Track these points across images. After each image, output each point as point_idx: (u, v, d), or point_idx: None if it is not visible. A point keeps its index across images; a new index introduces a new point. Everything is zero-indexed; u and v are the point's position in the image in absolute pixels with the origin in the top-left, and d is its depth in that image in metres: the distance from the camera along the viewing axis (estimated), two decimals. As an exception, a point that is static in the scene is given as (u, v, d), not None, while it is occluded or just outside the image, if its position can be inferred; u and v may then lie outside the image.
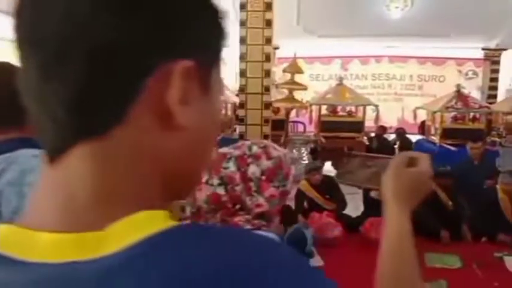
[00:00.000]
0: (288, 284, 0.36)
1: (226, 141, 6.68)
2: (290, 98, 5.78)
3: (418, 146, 7.42)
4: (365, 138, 7.02)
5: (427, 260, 3.93)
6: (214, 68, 0.41)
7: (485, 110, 6.68)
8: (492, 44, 8.54)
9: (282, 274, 0.37)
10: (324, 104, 6.60)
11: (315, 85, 8.69)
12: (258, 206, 1.18)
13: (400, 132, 8.21)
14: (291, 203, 5.05)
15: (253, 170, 1.15)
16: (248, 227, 1.14)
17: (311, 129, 7.30)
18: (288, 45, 6.95)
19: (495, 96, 8.76)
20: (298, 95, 7.94)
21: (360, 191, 4.92)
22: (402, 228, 0.77)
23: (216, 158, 1.16)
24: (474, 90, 8.73)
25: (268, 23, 5.40)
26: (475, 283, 3.55)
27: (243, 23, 5.44)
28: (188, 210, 1.15)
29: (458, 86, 6.87)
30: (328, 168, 7.79)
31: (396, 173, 0.78)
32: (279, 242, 0.93)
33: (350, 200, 4.99)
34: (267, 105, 5.62)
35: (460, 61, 8.91)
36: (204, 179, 1.13)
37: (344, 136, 6.61)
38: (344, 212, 4.79)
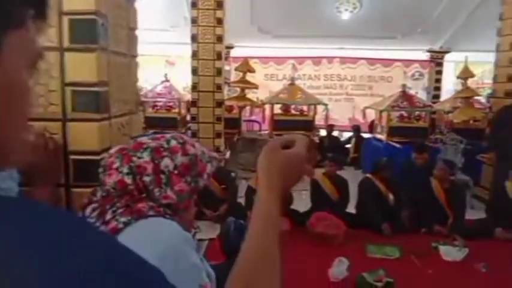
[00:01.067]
0: None
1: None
2: (242, 97, 5.84)
3: (367, 144, 7.72)
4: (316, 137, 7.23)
5: (368, 251, 4.13)
6: (9, 32, 0.40)
7: (428, 109, 7.04)
8: (436, 46, 9.05)
9: None
10: (276, 103, 6.72)
11: (270, 85, 8.85)
12: (166, 197, 1.18)
13: (356, 129, 8.51)
14: (241, 199, 5.13)
15: (166, 163, 1.18)
16: (151, 213, 1.14)
17: (267, 127, 7.40)
18: (243, 45, 7.00)
19: (439, 96, 9.27)
20: (254, 94, 8.05)
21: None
22: (268, 212, 0.73)
23: (131, 146, 1.19)
24: (420, 91, 9.20)
25: (219, 21, 5.43)
26: (411, 271, 3.76)
27: (194, 21, 5.45)
28: (99, 194, 1.16)
29: (403, 86, 7.20)
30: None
31: (268, 155, 0.75)
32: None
33: (298, 195, 5.11)
34: (219, 103, 5.66)
35: (406, 63, 9.35)
36: (115, 165, 1.15)
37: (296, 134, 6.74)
38: (292, 207, 4.89)
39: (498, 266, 3.78)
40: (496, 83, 5.95)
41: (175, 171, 1.19)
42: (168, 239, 1.12)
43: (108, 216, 1.13)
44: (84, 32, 1.35)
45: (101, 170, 1.18)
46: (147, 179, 1.16)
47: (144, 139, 1.25)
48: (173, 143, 1.21)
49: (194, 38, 5.45)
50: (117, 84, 1.48)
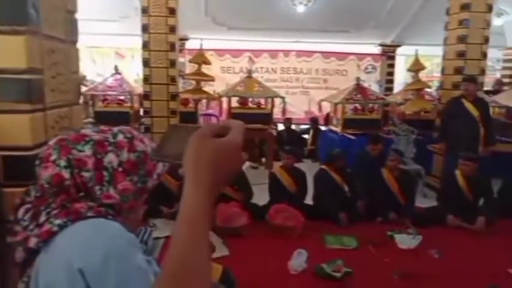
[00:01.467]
0: None
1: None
2: (198, 89, 5.67)
3: (323, 136, 7.81)
4: (275, 128, 7.22)
5: (326, 242, 4.15)
6: None
7: (381, 101, 7.21)
8: (388, 40, 9.29)
9: None
10: (233, 96, 6.60)
11: (226, 78, 8.73)
12: (108, 197, 1.07)
13: (314, 121, 8.58)
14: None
15: (110, 158, 1.07)
16: (90, 213, 1.03)
17: (224, 121, 7.28)
18: (198, 36, 6.81)
19: (392, 89, 9.55)
20: (210, 87, 7.89)
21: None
22: (195, 210, 0.65)
23: (72, 137, 1.06)
24: (373, 83, 9.44)
25: (172, 11, 5.23)
26: (368, 260, 3.81)
27: (145, 11, 5.21)
28: (33, 194, 1.04)
29: (357, 79, 7.33)
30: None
31: (196, 145, 0.67)
32: None
33: (258, 189, 5.06)
34: (174, 96, 5.47)
35: (360, 56, 9.55)
36: (52, 157, 1.03)
37: (254, 128, 6.70)
38: (252, 201, 4.83)
39: (450, 252, 3.93)
40: (444, 75, 6.17)
41: (120, 169, 1.07)
42: (109, 242, 0.99)
43: (42, 218, 1.01)
44: (11, 12, 1.19)
45: (37, 162, 1.06)
46: (86, 174, 1.04)
47: (88, 131, 1.12)
48: (120, 137, 1.09)
49: (145, 29, 5.22)
50: (53, 72, 1.32)
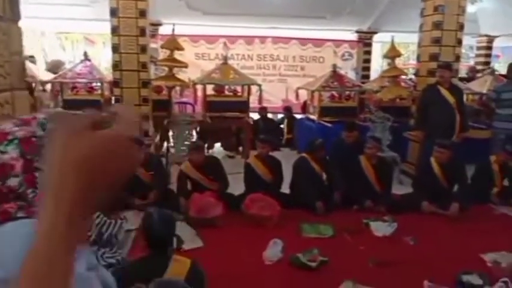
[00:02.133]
0: None
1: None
2: (171, 76, 5.48)
3: (300, 124, 7.75)
4: (251, 117, 7.09)
5: (303, 231, 4.10)
6: None
7: (357, 89, 7.18)
8: (364, 27, 9.25)
9: None
10: (208, 83, 6.44)
11: (201, 64, 8.52)
12: None
13: (288, 110, 8.51)
14: (173, 186, 4.88)
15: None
16: (20, 214, 0.92)
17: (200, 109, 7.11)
18: (172, 22, 6.58)
19: (368, 76, 9.54)
20: (185, 74, 7.68)
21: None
22: (52, 226, 0.50)
23: None
24: (350, 71, 9.40)
25: (142, -6, 5.02)
26: (344, 248, 3.78)
27: (112, -7, 4.99)
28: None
29: (334, 66, 7.26)
30: (219, 149, 7.77)
31: (63, 139, 0.51)
32: None
33: (234, 179, 4.96)
34: (145, 84, 5.28)
35: (337, 43, 9.47)
36: None
37: (230, 116, 6.57)
38: (228, 191, 4.73)
39: (425, 238, 3.94)
40: (420, 62, 6.17)
41: None
42: None
43: None
44: None
45: None
46: (13, 182, 0.90)
47: (7, 126, 0.95)
48: (51, 126, 0.94)
49: (114, 12, 4.98)
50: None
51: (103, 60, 8.08)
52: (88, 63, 6.33)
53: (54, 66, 7.72)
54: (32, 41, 8.94)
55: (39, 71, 6.58)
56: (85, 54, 6.46)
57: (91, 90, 6.28)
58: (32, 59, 6.99)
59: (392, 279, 3.22)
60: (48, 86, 6.56)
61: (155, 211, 2.23)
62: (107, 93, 6.22)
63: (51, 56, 8.85)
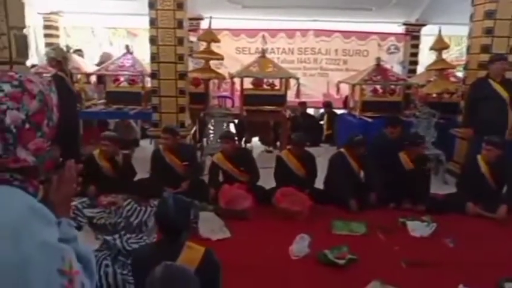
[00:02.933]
0: None
1: (144, 115, 6.31)
2: (207, 69, 5.49)
3: (340, 119, 7.52)
4: (288, 112, 6.97)
5: (333, 227, 3.95)
6: None
7: (402, 83, 6.84)
8: (412, 19, 8.79)
9: None
10: (246, 77, 6.39)
11: (241, 58, 8.48)
12: (15, 161, 0.91)
13: (328, 105, 8.29)
14: (206, 177, 4.88)
15: (12, 117, 0.90)
16: None
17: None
18: (212, 16, 6.59)
19: (415, 71, 9.07)
20: (225, 69, 7.70)
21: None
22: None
23: None
24: (395, 65, 8.99)
25: (180, -13, 5.05)
26: (376, 247, 3.60)
27: (152, -14, 5.06)
28: None
29: (378, 59, 6.97)
30: (256, 144, 7.72)
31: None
32: None
33: (270, 173, 4.87)
34: (182, 76, 5.32)
35: (382, 36, 9.07)
36: None
37: (267, 110, 6.49)
38: (258, 184, 4.67)
39: (466, 241, 3.66)
40: (470, 54, 5.76)
41: (27, 126, 0.92)
42: (4, 214, 0.84)
43: None
44: None
45: None
46: None
47: None
48: (7, 87, 0.91)
49: (152, 5, 5.05)
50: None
51: (146, 53, 8.26)
52: (130, 56, 6.49)
53: (105, 60, 8.03)
54: (84, 36, 9.37)
55: (85, 64, 6.83)
56: (127, 47, 6.63)
57: (132, 82, 6.43)
58: (79, 52, 7.30)
59: (425, 281, 3.02)
60: (93, 78, 6.81)
61: (170, 197, 2.20)
62: (148, 85, 6.34)
63: (102, 51, 9.20)
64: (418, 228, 3.92)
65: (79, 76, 6.26)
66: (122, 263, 2.90)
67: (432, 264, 3.21)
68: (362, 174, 4.73)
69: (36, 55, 8.73)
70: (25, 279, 0.82)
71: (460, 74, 7.67)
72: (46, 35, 7.81)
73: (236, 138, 5.07)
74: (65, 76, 4.78)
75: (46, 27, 7.78)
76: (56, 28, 7.93)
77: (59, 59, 4.85)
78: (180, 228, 2.13)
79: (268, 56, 7.06)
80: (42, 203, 1.04)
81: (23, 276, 0.82)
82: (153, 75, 5.32)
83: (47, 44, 7.55)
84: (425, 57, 9.83)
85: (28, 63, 8.11)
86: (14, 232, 0.83)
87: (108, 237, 3.09)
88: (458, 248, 3.58)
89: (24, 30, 1.55)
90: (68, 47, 5.99)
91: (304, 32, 8.92)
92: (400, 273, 3.15)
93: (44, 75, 6.18)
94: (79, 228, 3.66)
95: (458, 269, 3.17)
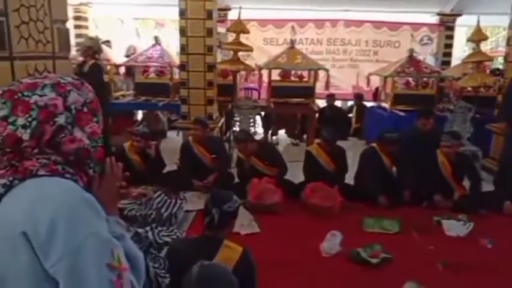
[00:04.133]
0: None
1: (172, 107, 6.32)
2: (235, 60, 5.42)
3: (370, 112, 7.34)
4: (316, 104, 6.84)
5: (365, 225, 3.84)
6: None
7: (436, 75, 6.60)
8: (447, 9, 8.43)
9: None
10: (274, 68, 6.29)
11: (269, 50, 8.36)
12: (73, 140, 0.94)
13: (359, 97, 8.09)
14: (234, 170, 4.85)
15: (74, 98, 0.96)
16: (42, 172, 0.89)
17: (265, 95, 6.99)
18: (241, 6, 6.50)
19: (449, 63, 8.74)
20: (252, 60, 7.62)
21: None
22: None
23: (23, 87, 0.92)
24: (429, 56, 8.68)
25: (209, -22, 4.99)
26: (410, 247, 3.48)
27: (181, -23, 5.01)
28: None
29: (410, 50, 6.74)
30: (283, 137, 7.64)
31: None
32: None
33: (297, 166, 4.80)
34: (210, 67, 5.27)
35: (415, 26, 8.74)
36: (2, 113, 0.89)
37: (294, 102, 6.39)
38: (286, 178, 4.59)
39: (505, 242, 3.50)
40: (510, 45, 5.49)
41: (85, 109, 0.97)
42: (59, 203, 0.84)
43: None
44: None
45: None
46: (61, 119, 0.93)
47: (29, 79, 0.99)
48: (70, 79, 0.98)
49: (181, -4, 5.03)
50: (24, 17, 1.13)
51: (173, 44, 8.25)
52: (158, 47, 6.49)
53: (130, 53, 8.09)
54: (112, 27, 9.43)
55: (114, 55, 6.87)
56: (156, 38, 6.64)
57: (161, 74, 6.44)
58: (108, 43, 7.35)
59: (464, 284, 2.89)
60: (122, 70, 6.86)
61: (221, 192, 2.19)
62: (176, 77, 6.33)
63: (130, 42, 9.26)
64: (454, 227, 3.77)
65: (108, 67, 6.30)
66: (154, 256, 2.89)
67: (471, 266, 3.07)
68: (394, 170, 4.59)
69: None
70: (77, 267, 0.82)
71: (495, 68, 7.37)
72: (76, 26, 7.87)
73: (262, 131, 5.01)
74: (103, 66, 4.87)
75: (76, 18, 7.85)
76: (86, 19, 8.00)
77: (96, 48, 4.91)
78: (223, 224, 2.11)
79: (296, 47, 6.94)
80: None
81: (75, 264, 0.81)
82: (182, 67, 5.29)
83: (77, 35, 7.62)
84: (459, 49, 9.49)
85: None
86: (68, 220, 0.82)
87: (140, 230, 3.09)
88: (496, 249, 3.43)
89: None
90: (97, 37, 6.01)
91: (334, 22, 8.71)
92: (436, 274, 3.03)
93: (74, 65, 6.27)
94: (109, 219, 3.70)
95: (498, 270, 3.03)
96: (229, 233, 2.25)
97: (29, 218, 0.82)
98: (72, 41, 8.21)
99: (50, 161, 0.90)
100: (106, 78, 5.82)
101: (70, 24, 8.34)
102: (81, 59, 5.18)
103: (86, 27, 8.03)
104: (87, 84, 1.01)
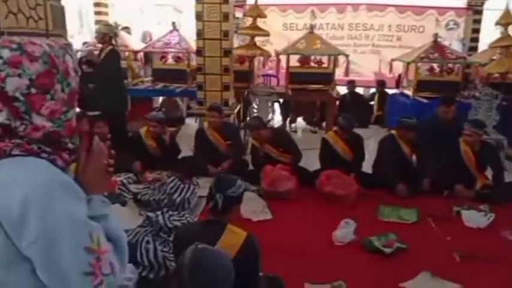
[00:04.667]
0: None
1: (189, 93, 6.31)
2: (252, 45, 5.33)
3: (392, 100, 7.14)
4: (335, 91, 6.70)
5: (380, 214, 3.75)
6: None
7: (462, 61, 6.34)
8: (475, -8, 8.09)
9: None
10: (292, 54, 6.18)
11: (288, 35, 8.22)
12: (36, 129, 0.87)
13: (381, 84, 7.87)
14: (249, 157, 4.81)
15: (14, 84, 0.85)
16: (16, 152, 0.86)
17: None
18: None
19: (477, 49, 8.39)
20: (271, 46, 7.51)
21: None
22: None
23: None
24: (455, 42, 8.36)
25: (225, -40, 4.89)
26: (426, 237, 3.38)
27: (197, -40, 4.94)
28: None
29: (435, 35, 6.48)
30: (301, 124, 7.54)
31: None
32: None
33: (314, 154, 4.71)
34: (226, 53, 5.21)
35: (441, 10, 8.37)
36: None
37: (313, 88, 6.27)
38: (301, 165, 4.53)
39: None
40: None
41: (33, 90, 0.86)
42: (31, 184, 0.81)
43: None
44: None
45: None
46: (1, 118, 0.85)
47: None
48: (6, 53, 0.85)
49: (198, -21, 4.96)
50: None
51: (191, 31, 8.23)
52: (176, 33, 6.47)
53: (146, 38, 8.12)
54: (131, 13, 9.47)
55: (132, 41, 6.89)
56: (173, 24, 6.61)
57: (178, 60, 6.43)
58: (127, 29, 7.38)
59: (479, 275, 2.78)
60: (140, 56, 6.88)
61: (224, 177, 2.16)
62: (193, 63, 6.31)
63: (149, 28, 9.28)
64: (474, 218, 3.64)
65: (127, 53, 6.33)
66: (163, 240, 2.91)
67: (488, 258, 2.96)
68: (414, 158, 4.46)
69: (88, 32, 8.96)
70: (51, 251, 0.80)
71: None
72: (96, 12, 7.94)
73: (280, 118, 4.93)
74: (119, 52, 4.89)
75: (96, 4, 7.91)
76: (105, 5, 8.04)
77: (111, 34, 4.93)
78: (226, 207, 2.08)
79: (316, 32, 6.80)
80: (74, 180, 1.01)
81: (49, 247, 0.80)
82: (198, 53, 5.25)
83: (97, 22, 7.68)
84: (487, 34, 9.08)
85: (80, 40, 8.34)
86: (40, 202, 0.80)
87: (151, 214, 3.11)
88: (519, 241, 3.29)
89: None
90: (116, 23, 6.04)
91: (355, 6, 8.46)
92: (452, 265, 2.93)
93: (95, 52, 6.33)
94: (123, 203, 3.73)
95: (519, 265, 2.90)
96: (235, 218, 2.22)
97: (0, 201, 0.80)
98: (92, 27, 8.32)
99: (24, 140, 0.87)
100: (124, 64, 5.85)
101: (90, 10, 8.46)
102: (100, 45, 5.23)
103: (106, 14, 8.07)
104: (29, 48, 0.87)
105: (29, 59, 0.86)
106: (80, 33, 9.21)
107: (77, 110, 1.00)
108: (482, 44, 8.39)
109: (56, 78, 0.89)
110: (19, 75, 0.85)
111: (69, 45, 0.95)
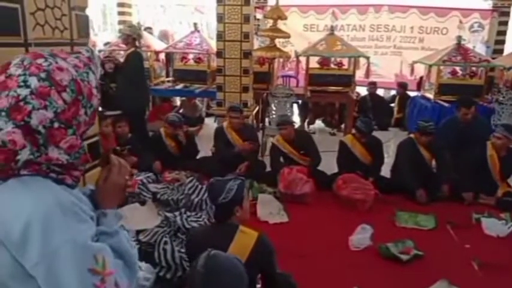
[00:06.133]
0: None
1: (209, 94, 6.36)
2: (272, 47, 5.35)
3: (413, 102, 7.04)
4: (355, 93, 6.64)
5: (398, 219, 3.72)
6: None
7: (485, 64, 6.20)
8: (502, -7, 7.88)
9: None
10: (312, 55, 6.15)
11: (309, 36, 8.19)
12: (49, 159, 0.87)
13: (402, 86, 7.75)
14: (266, 159, 4.83)
15: (39, 118, 0.82)
16: (24, 172, 0.87)
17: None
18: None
19: (502, 52, 8.18)
20: (291, 47, 7.50)
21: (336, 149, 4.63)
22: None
23: None
24: (479, 44, 8.16)
25: (246, -38, 4.91)
26: (444, 244, 3.34)
27: (219, -38, 4.97)
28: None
29: (458, 38, 6.35)
30: (320, 126, 7.51)
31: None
32: None
33: (332, 157, 4.70)
34: (246, 54, 5.24)
35: (465, 12, 8.17)
36: None
37: (332, 90, 6.24)
38: (319, 168, 4.52)
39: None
40: None
41: (56, 125, 0.84)
42: (35, 206, 0.82)
43: None
44: None
45: None
46: (22, 156, 0.84)
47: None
48: (34, 83, 0.83)
49: (219, -18, 4.99)
50: (40, 3, 1.14)
51: (211, 32, 8.29)
52: (197, 34, 6.53)
53: (163, 38, 8.21)
54: (154, 14, 9.62)
55: (154, 42, 6.99)
56: (195, 25, 6.67)
57: (199, 60, 6.49)
58: (149, 30, 7.49)
59: (499, 286, 2.74)
60: (161, 56, 6.97)
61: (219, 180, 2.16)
62: (213, 64, 6.35)
63: (171, 29, 9.40)
64: (495, 226, 3.57)
65: (149, 54, 6.42)
66: (181, 241, 2.95)
67: (508, 268, 2.91)
68: (434, 164, 4.40)
69: (111, 32, 9.12)
70: (53, 274, 0.82)
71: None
72: (119, 13, 8.08)
73: (299, 119, 4.93)
74: (142, 53, 4.95)
75: (119, 4, 8.04)
76: (129, 6, 8.17)
77: (134, 36, 4.99)
78: (228, 209, 2.09)
79: (337, 33, 6.75)
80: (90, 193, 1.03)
81: (51, 270, 0.82)
82: (219, 54, 5.29)
83: (120, 22, 7.81)
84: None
85: (103, 40, 8.49)
86: (43, 224, 0.81)
87: (169, 214, 3.16)
88: (541, 252, 3.22)
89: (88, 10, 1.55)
90: (139, 24, 6.13)
91: (377, 7, 8.35)
92: (470, 274, 2.89)
93: (117, 52, 6.45)
94: (143, 202, 3.80)
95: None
96: (247, 216, 2.18)
97: (4, 222, 0.82)
98: (116, 27, 8.48)
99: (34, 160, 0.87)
100: (146, 64, 5.94)
101: (114, 10, 8.60)
102: (123, 45, 5.32)
103: (129, 14, 8.20)
104: (57, 77, 0.84)
105: (57, 91, 0.84)
106: (104, 30, 9.38)
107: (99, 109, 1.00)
108: (509, 47, 8.19)
109: (81, 105, 0.88)
110: (45, 107, 0.83)
111: (91, 58, 0.92)
